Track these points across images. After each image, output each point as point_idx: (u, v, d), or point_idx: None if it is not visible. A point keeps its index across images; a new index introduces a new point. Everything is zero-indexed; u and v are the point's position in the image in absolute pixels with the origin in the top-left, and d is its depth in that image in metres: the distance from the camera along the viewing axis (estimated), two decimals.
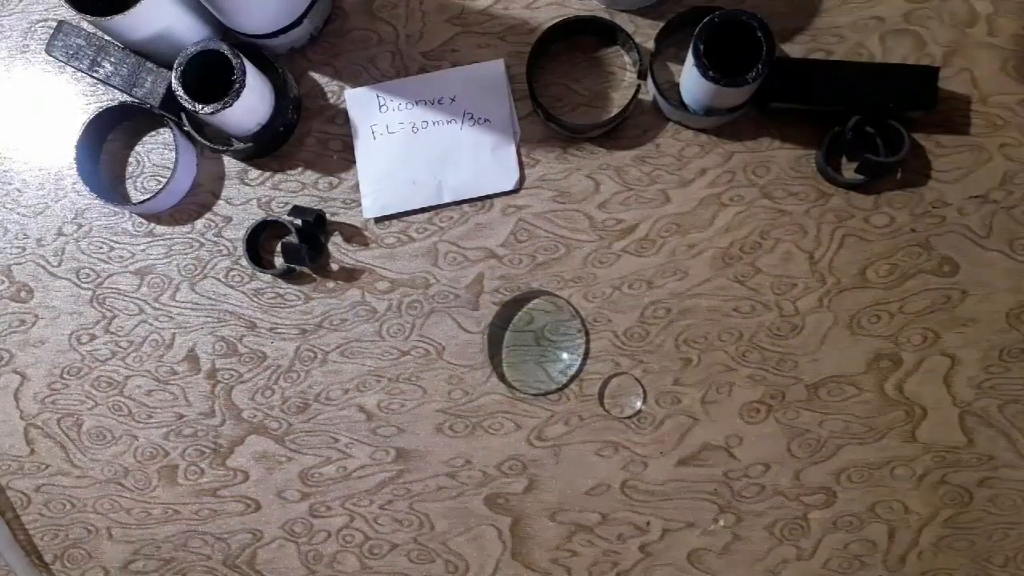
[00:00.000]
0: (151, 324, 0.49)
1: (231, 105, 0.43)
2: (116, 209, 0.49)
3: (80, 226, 0.50)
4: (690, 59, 0.42)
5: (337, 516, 0.48)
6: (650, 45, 0.47)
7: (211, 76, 0.44)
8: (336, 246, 0.48)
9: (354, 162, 0.48)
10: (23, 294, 0.50)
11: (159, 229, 0.49)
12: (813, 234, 0.46)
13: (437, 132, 0.48)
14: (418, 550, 0.47)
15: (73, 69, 0.49)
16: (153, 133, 0.50)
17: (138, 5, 0.42)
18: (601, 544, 0.46)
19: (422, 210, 0.48)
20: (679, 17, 0.46)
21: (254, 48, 0.47)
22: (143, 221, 0.50)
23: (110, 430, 0.49)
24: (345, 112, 0.49)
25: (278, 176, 0.49)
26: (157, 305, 0.49)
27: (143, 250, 0.49)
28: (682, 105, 0.46)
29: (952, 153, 0.46)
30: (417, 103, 0.48)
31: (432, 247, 0.48)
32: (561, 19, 0.46)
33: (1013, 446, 0.45)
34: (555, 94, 0.48)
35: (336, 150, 0.49)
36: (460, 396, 0.47)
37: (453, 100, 0.48)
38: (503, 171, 0.48)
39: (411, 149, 0.48)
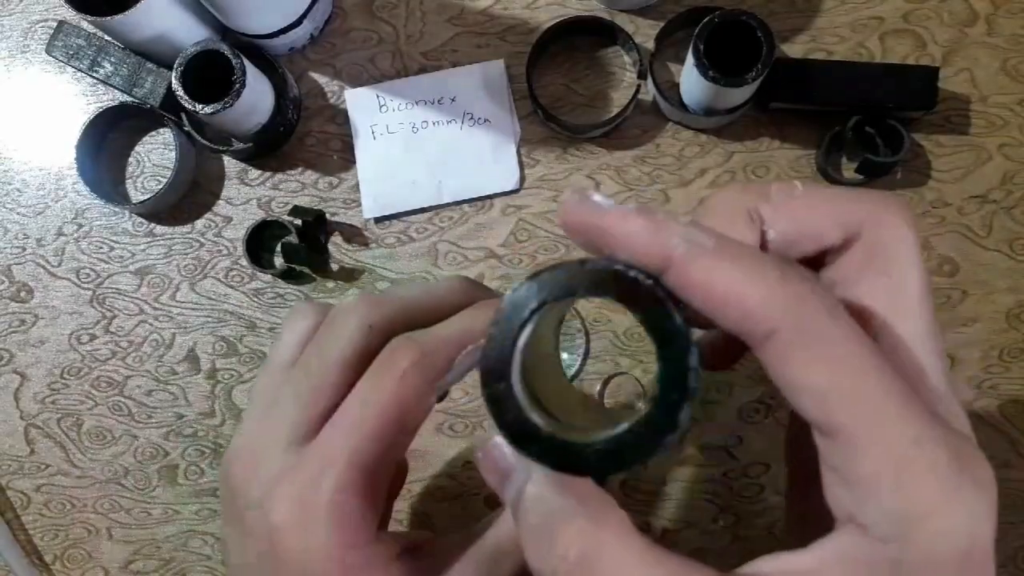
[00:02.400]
0: (151, 324, 0.49)
1: (231, 105, 0.43)
2: (116, 209, 0.49)
3: (80, 226, 0.50)
4: (690, 59, 0.42)
5: None
6: (650, 45, 0.47)
7: (211, 76, 0.44)
8: (336, 246, 0.48)
9: (354, 162, 0.48)
10: (23, 294, 0.50)
11: (159, 229, 0.49)
12: None
13: (437, 132, 0.48)
14: None
15: (73, 69, 0.49)
16: (153, 133, 0.50)
17: (138, 5, 0.42)
18: None
19: (422, 210, 0.48)
20: (679, 17, 0.46)
21: (254, 48, 0.47)
22: (143, 221, 0.50)
23: (110, 430, 0.49)
24: (345, 112, 0.49)
25: (278, 176, 0.49)
26: (157, 305, 0.49)
27: (143, 250, 0.49)
28: (682, 105, 0.46)
29: (952, 153, 0.46)
30: (417, 103, 0.48)
31: (432, 247, 0.48)
32: (561, 19, 0.46)
33: (1013, 446, 0.45)
34: (555, 94, 0.48)
35: (336, 150, 0.49)
36: (460, 396, 0.47)
37: (453, 100, 0.48)
38: (503, 171, 0.48)
39: (411, 149, 0.48)
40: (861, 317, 0.22)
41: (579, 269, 0.21)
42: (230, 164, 0.49)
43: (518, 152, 0.48)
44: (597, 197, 0.22)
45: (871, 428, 0.19)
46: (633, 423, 0.20)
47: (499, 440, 0.22)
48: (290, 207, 0.48)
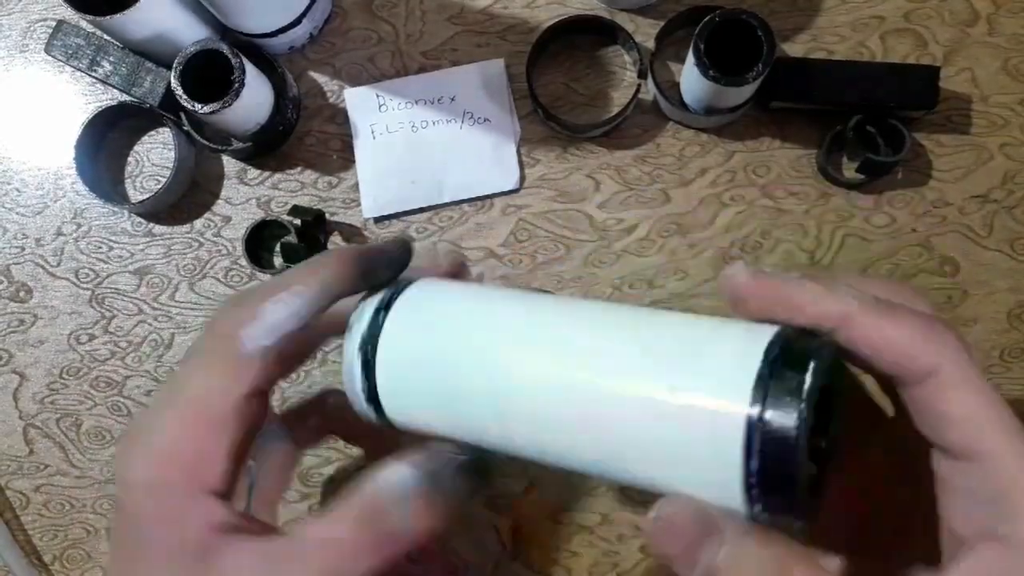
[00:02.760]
0: (150, 324, 0.49)
1: (230, 105, 0.43)
2: (115, 209, 0.49)
3: (79, 226, 0.50)
4: (690, 58, 0.42)
5: None
6: (650, 44, 0.47)
7: (210, 76, 0.44)
8: (336, 246, 0.48)
9: (354, 162, 0.48)
10: (22, 294, 0.50)
11: (158, 229, 0.49)
12: (814, 234, 0.46)
13: (437, 132, 0.48)
14: (417, 551, 0.47)
15: (72, 68, 0.49)
16: (152, 133, 0.50)
17: (137, 4, 0.42)
18: (601, 545, 0.46)
19: (422, 210, 0.48)
20: (679, 16, 0.46)
21: (253, 47, 0.47)
22: (142, 221, 0.50)
23: (109, 430, 0.49)
24: (345, 111, 0.49)
25: (277, 175, 0.49)
26: (156, 305, 0.49)
27: (142, 250, 0.49)
28: (682, 105, 0.46)
29: (953, 152, 0.46)
30: (417, 102, 0.48)
31: (432, 247, 0.48)
32: (561, 18, 0.46)
33: None
34: (555, 93, 0.48)
35: (336, 150, 0.49)
36: None
37: (453, 100, 0.48)
38: (503, 171, 0.47)
39: (411, 149, 0.48)
40: None
41: (823, 347, 0.23)
42: (229, 164, 0.49)
43: (518, 152, 0.48)
44: (764, 271, 0.25)
45: (1015, 451, 0.23)
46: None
47: (681, 505, 0.23)
48: (289, 207, 0.48)
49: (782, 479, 0.21)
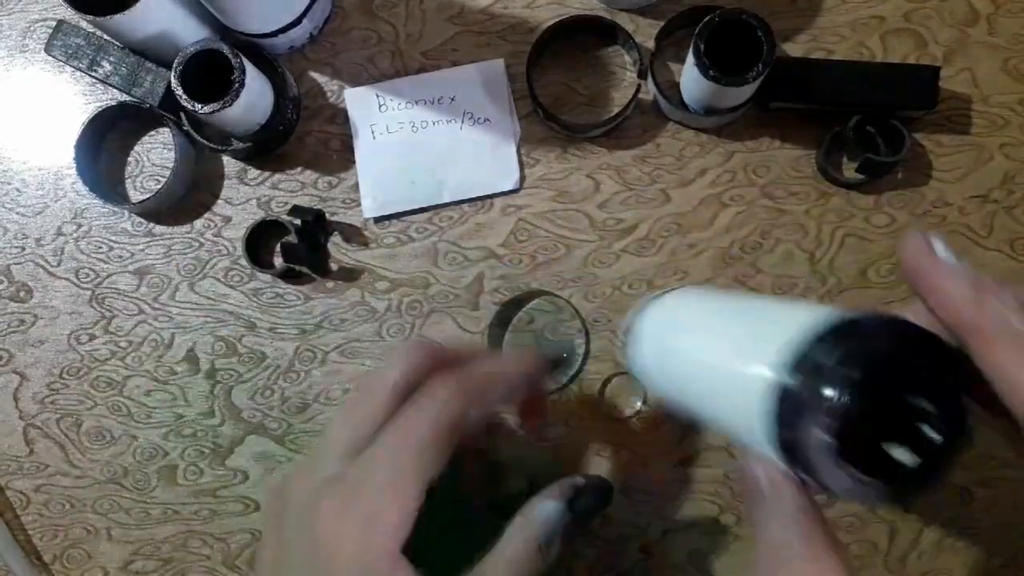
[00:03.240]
0: (150, 324, 0.49)
1: (230, 105, 0.43)
2: (115, 209, 0.49)
3: (79, 226, 0.50)
4: (690, 59, 0.42)
5: None
6: (650, 44, 0.47)
7: (210, 76, 0.44)
8: (336, 246, 0.48)
9: (354, 162, 0.48)
10: (22, 294, 0.50)
11: (158, 229, 0.49)
12: (814, 234, 0.46)
13: (437, 132, 0.48)
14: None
15: (72, 69, 0.49)
16: (152, 133, 0.50)
17: (137, 4, 0.42)
18: (601, 545, 0.46)
19: (422, 210, 0.48)
20: (679, 17, 0.46)
21: (254, 47, 0.47)
22: (142, 221, 0.50)
23: (109, 430, 0.49)
24: (345, 112, 0.49)
25: (277, 176, 0.49)
26: (156, 305, 0.49)
27: (142, 250, 0.49)
28: (682, 105, 0.46)
29: (953, 152, 0.46)
30: (417, 103, 0.48)
31: (432, 247, 0.48)
32: (561, 18, 0.46)
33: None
34: (555, 94, 0.48)
35: (336, 150, 0.49)
36: None
37: (453, 100, 0.48)
38: (503, 171, 0.47)
39: (411, 149, 0.48)
40: None
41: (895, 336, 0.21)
42: (229, 164, 0.49)
43: (518, 152, 0.48)
44: (939, 245, 0.22)
45: None
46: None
47: (753, 462, 0.25)
48: (289, 207, 0.48)
49: (799, 446, 0.21)
